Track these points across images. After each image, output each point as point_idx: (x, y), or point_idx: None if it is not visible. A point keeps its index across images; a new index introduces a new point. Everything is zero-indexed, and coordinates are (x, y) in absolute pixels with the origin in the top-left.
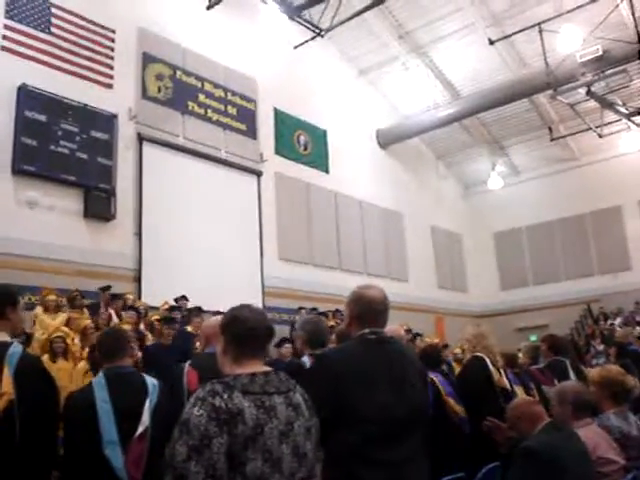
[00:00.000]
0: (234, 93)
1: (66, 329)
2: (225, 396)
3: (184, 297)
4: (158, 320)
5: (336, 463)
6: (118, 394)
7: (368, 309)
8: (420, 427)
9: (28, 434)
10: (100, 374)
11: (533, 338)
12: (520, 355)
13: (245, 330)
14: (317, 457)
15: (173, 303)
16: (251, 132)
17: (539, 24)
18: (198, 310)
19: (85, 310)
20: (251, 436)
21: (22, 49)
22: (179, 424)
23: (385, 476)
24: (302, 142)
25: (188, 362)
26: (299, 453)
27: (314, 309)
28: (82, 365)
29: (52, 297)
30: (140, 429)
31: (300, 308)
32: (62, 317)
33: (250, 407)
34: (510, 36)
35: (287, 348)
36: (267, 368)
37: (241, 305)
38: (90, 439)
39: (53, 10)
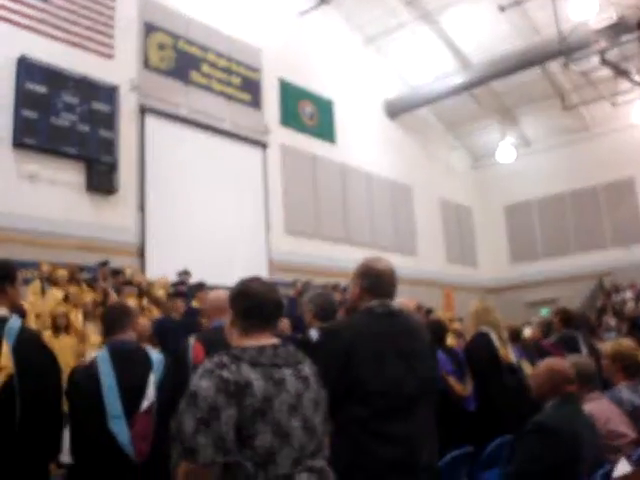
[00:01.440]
0: (238, 63)
1: (65, 304)
2: (233, 368)
3: (186, 272)
4: (168, 295)
5: (345, 437)
6: (122, 368)
7: (376, 282)
8: (430, 401)
9: (29, 408)
10: (104, 348)
11: (544, 312)
12: (530, 329)
13: (254, 303)
14: (325, 430)
15: (174, 279)
16: (256, 103)
17: None
18: (201, 285)
19: (84, 285)
20: (260, 409)
21: (20, 19)
22: (186, 396)
23: (394, 450)
24: (308, 113)
25: (194, 336)
26: (308, 426)
27: (307, 282)
28: (95, 339)
29: (63, 272)
30: (145, 403)
31: (295, 281)
32: (60, 291)
33: (258, 379)
34: (521, 2)
35: (284, 323)
36: (275, 340)
37: (251, 278)
38: (95, 414)
39: None
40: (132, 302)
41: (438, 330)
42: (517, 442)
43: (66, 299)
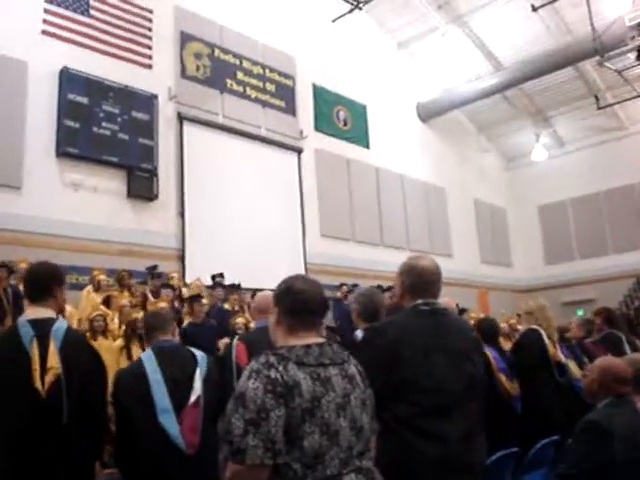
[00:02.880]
0: (272, 70)
1: (104, 308)
2: (280, 368)
3: (221, 274)
4: (186, 299)
5: (391, 436)
6: (169, 365)
7: (420, 280)
8: (477, 400)
9: (76, 408)
10: (148, 350)
11: (580, 313)
12: (573, 328)
13: (299, 301)
14: (372, 429)
15: (207, 282)
16: (290, 109)
17: None
18: (235, 287)
19: (130, 290)
20: (308, 409)
21: (63, 33)
22: (234, 397)
23: (441, 449)
24: (342, 117)
25: (237, 337)
26: (356, 426)
27: (355, 285)
28: (118, 342)
29: (103, 277)
30: (193, 397)
31: (342, 284)
32: (101, 296)
33: (306, 379)
34: (554, 1)
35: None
36: (321, 339)
37: (295, 275)
38: (144, 410)
39: None
40: (165, 304)
41: (490, 328)
42: (569, 443)
43: (105, 303)
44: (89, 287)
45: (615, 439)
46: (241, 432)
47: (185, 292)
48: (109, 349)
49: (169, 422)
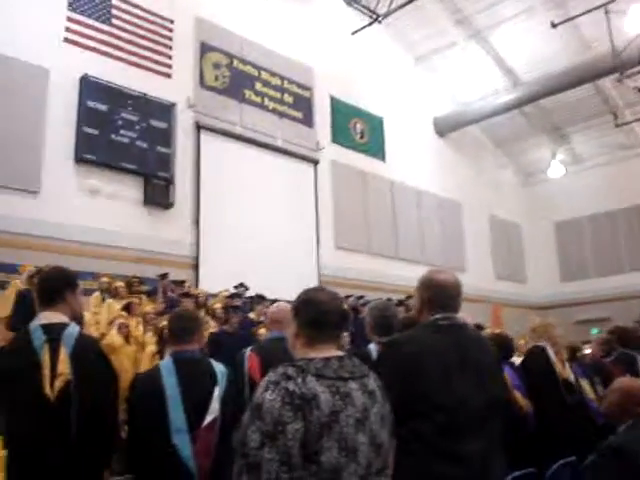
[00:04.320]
0: (290, 81)
1: (125, 314)
2: (299, 380)
3: (243, 285)
4: (223, 307)
5: (408, 453)
6: (187, 381)
7: (440, 294)
8: (497, 418)
9: (84, 415)
10: (168, 358)
11: (595, 331)
12: (589, 347)
13: (319, 313)
14: (391, 446)
15: (233, 290)
16: (307, 120)
17: (605, 5)
18: (260, 297)
19: (143, 296)
20: (326, 423)
21: (84, 40)
22: (250, 409)
23: (460, 469)
24: (358, 130)
25: (250, 347)
26: (375, 442)
27: (360, 297)
28: (151, 348)
29: (120, 283)
30: (209, 418)
31: (347, 296)
32: (120, 303)
33: (325, 392)
34: (574, 18)
35: (344, 337)
36: (340, 352)
37: (315, 287)
38: (158, 426)
39: (114, 2)
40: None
41: (505, 344)
42: (588, 467)
43: (126, 309)
44: (97, 293)
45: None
46: (257, 445)
47: (211, 302)
48: (132, 356)
49: (182, 443)
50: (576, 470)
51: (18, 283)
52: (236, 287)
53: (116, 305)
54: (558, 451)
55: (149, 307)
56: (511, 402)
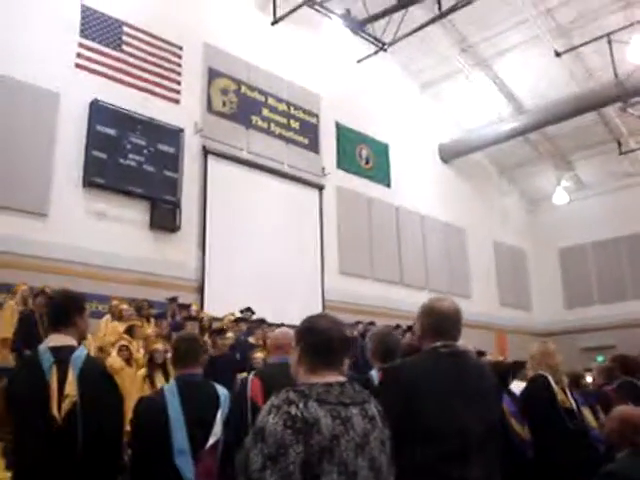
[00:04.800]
0: (297, 107)
1: (127, 337)
2: (301, 405)
3: (249, 309)
4: (209, 334)
5: (408, 479)
6: (190, 403)
7: (440, 322)
8: (495, 444)
9: (90, 437)
10: (172, 381)
11: (600, 359)
12: (591, 375)
13: (322, 340)
14: (390, 471)
15: (238, 314)
16: (313, 146)
17: (608, 35)
18: (261, 322)
19: (151, 319)
20: (327, 447)
21: (95, 66)
22: (253, 432)
23: None
24: (364, 156)
25: (253, 372)
26: (375, 467)
27: (371, 323)
28: (142, 371)
29: (125, 306)
30: (211, 440)
31: (357, 322)
32: (123, 325)
33: (326, 417)
34: (577, 47)
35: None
36: (342, 378)
37: (318, 314)
38: (160, 447)
39: (125, 28)
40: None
41: (502, 372)
42: None
43: (128, 332)
44: (108, 316)
45: None
46: (259, 467)
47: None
48: (133, 378)
49: (185, 465)
50: None
51: (12, 304)
52: (242, 311)
53: (119, 327)
54: (559, 478)
55: (150, 330)
56: (508, 429)
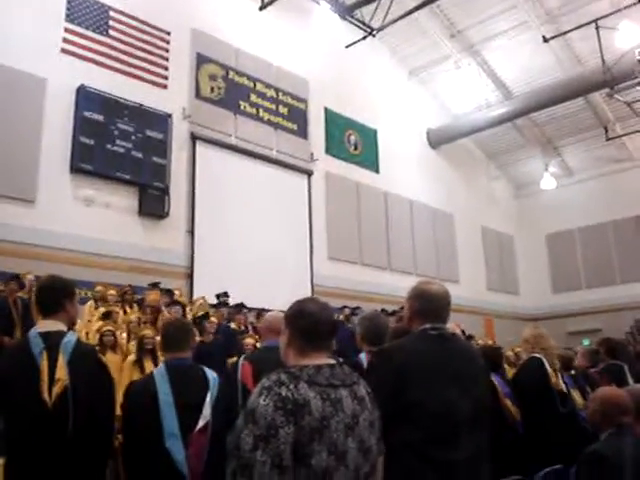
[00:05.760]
0: (285, 93)
1: (113, 323)
2: (291, 386)
3: (225, 293)
4: (193, 320)
5: (396, 460)
6: (180, 386)
7: (430, 304)
8: (484, 426)
9: (82, 421)
10: (161, 365)
11: (586, 342)
12: (577, 358)
13: (310, 323)
14: (379, 451)
15: (212, 300)
16: (302, 132)
17: (595, 21)
18: (241, 306)
19: (135, 305)
20: (317, 428)
21: (81, 51)
22: (244, 413)
23: (447, 475)
24: (352, 142)
25: (243, 356)
26: (364, 447)
27: (357, 308)
28: (132, 357)
29: (112, 292)
30: (201, 423)
31: (343, 307)
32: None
33: (316, 398)
34: (565, 33)
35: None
36: (332, 360)
37: (307, 298)
38: (151, 430)
39: (111, 13)
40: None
41: (494, 355)
42: (573, 472)
43: (106, 317)
44: (91, 302)
45: (626, 471)
46: (250, 447)
47: (188, 310)
48: (118, 365)
49: (176, 447)
50: (561, 478)
51: None
52: (218, 296)
53: (95, 312)
54: (547, 460)
55: (133, 316)
56: (502, 410)
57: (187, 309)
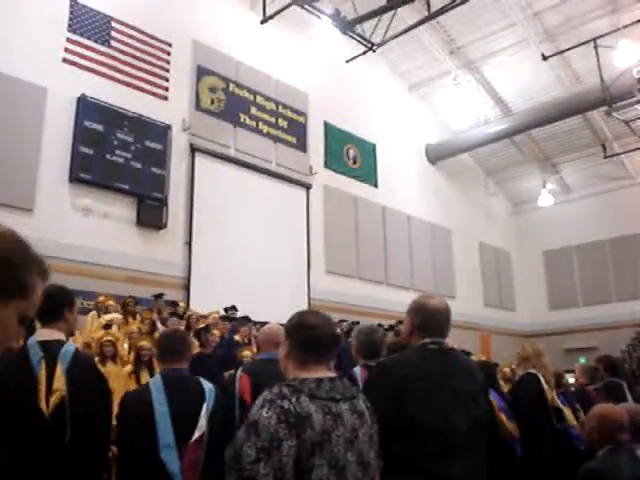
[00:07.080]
0: (285, 106)
1: (115, 333)
2: (293, 399)
3: (234, 307)
4: (194, 333)
5: (394, 474)
6: (175, 397)
7: (430, 319)
8: (481, 441)
9: (78, 431)
10: (157, 376)
11: (582, 360)
12: (574, 375)
13: (311, 336)
14: (378, 466)
15: (223, 312)
16: (301, 145)
17: (594, 39)
18: (246, 319)
19: (137, 316)
20: (318, 442)
21: (82, 61)
22: (246, 426)
23: None
24: (351, 156)
25: (241, 368)
26: (363, 461)
27: (356, 322)
28: (127, 368)
29: (111, 302)
30: (197, 434)
31: (341, 321)
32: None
33: (317, 412)
34: (564, 52)
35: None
36: (332, 374)
37: (307, 310)
38: (146, 441)
39: (113, 24)
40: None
41: (489, 370)
42: None
43: (107, 327)
44: (93, 312)
45: None
46: (252, 460)
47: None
48: (118, 375)
49: (170, 458)
50: None
51: None
52: (226, 310)
53: (96, 322)
54: (546, 476)
55: (134, 326)
56: (498, 426)
57: (194, 319)
